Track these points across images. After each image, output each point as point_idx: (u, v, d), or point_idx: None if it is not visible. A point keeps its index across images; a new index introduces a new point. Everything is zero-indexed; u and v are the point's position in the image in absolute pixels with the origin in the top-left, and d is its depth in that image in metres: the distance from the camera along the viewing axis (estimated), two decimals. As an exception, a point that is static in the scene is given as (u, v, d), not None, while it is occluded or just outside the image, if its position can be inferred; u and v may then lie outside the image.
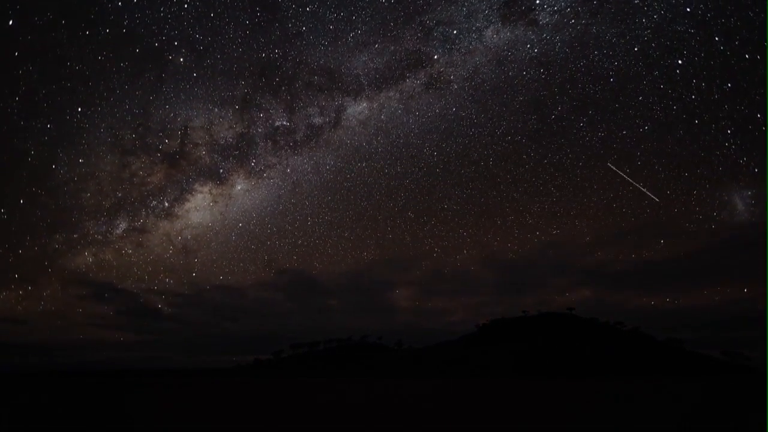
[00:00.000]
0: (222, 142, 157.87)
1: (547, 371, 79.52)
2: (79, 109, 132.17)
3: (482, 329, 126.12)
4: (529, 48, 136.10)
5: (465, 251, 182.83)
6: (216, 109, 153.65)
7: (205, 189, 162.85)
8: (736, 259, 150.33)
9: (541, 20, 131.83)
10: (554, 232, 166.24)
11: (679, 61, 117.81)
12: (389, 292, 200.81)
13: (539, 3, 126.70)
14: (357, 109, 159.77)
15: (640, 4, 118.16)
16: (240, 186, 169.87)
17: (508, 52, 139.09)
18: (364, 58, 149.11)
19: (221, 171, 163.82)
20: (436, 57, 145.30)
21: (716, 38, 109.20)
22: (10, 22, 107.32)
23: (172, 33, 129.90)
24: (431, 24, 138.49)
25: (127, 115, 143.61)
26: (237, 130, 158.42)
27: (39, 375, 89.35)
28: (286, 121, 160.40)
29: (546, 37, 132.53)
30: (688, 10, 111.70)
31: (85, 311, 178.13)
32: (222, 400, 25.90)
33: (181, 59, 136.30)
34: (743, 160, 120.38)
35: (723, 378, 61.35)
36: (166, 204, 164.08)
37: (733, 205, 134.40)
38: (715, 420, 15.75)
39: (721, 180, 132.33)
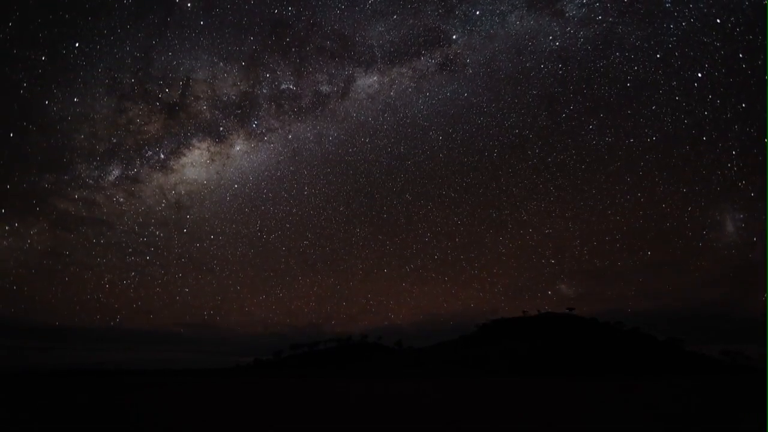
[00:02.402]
0: (224, 99, 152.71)
1: (547, 371, 79.58)
2: (77, 45, 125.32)
3: (482, 329, 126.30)
4: (551, 40, 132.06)
5: (457, 240, 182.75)
6: (221, 63, 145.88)
7: (203, 145, 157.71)
8: (716, 277, 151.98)
9: (567, 12, 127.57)
10: (546, 231, 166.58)
11: (699, 74, 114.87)
12: (379, 270, 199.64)
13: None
14: (367, 81, 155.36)
15: (671, 9, 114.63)
16: (239, 147, 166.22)
17: (529, 41, 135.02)
18: (380, 29, 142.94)
19: (221, 129, 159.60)
20: (454, 37, 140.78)
21: (740, 55, 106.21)
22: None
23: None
24: (454, 1, 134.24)
25: (127, 58, 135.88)
26: (241, 88, 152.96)
27: (34, 375, 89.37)
28: (293, 86, 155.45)
29: (570, 30, 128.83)
30: (718, 21, 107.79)
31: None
32: (222, 400, 25.89)
33: (189, 4, 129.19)
34: (742, 183, 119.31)
35: (723, 378, 61.37)
36: (162, 156, 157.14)
37: (724, 227, 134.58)
38: (715, 420, 15.75)
39: (717, 200, 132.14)
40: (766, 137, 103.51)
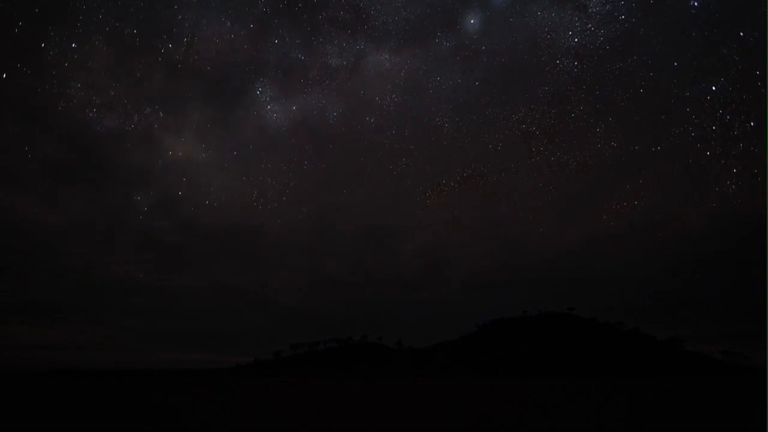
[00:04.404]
0: (229, 61, 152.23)
1: (547, 371, 79.51)
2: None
3: (482, 329, 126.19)
4: (570, 35, 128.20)
5: (452, 229, 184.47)
6: (228, 23, 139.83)
7: (204, 107, 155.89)
8: (710, 280, 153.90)
9: (591, 8, 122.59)
10: (541, 229, 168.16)
11: (713, 87, 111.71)
12: (373, 255, 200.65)
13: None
14: (378, 59, 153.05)
15: (696, 15, 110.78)
16: (240, 112, 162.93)
17: (548, 34, 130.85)
18: (397, 4, 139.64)
19: (223, 92, 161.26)
20: (472, 21, 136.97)
21: (757, 72, 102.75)
22: None
23: None
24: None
25: (130, 6, 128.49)
26: (248, 51, 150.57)
27: (34, 375, 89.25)
28: (301, 55, 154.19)
29: (590, 27, 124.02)
30: (741, 34, 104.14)
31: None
32: (222, 400, 25.86)
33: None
34: (738, 202, 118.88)
35: (723, 378, 61.30)
36: (161, 114, 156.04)
37: (715, 241, 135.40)
38: (715, 420, 15.73)
39: (713, 215, 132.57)
40: (766, 154, 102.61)
